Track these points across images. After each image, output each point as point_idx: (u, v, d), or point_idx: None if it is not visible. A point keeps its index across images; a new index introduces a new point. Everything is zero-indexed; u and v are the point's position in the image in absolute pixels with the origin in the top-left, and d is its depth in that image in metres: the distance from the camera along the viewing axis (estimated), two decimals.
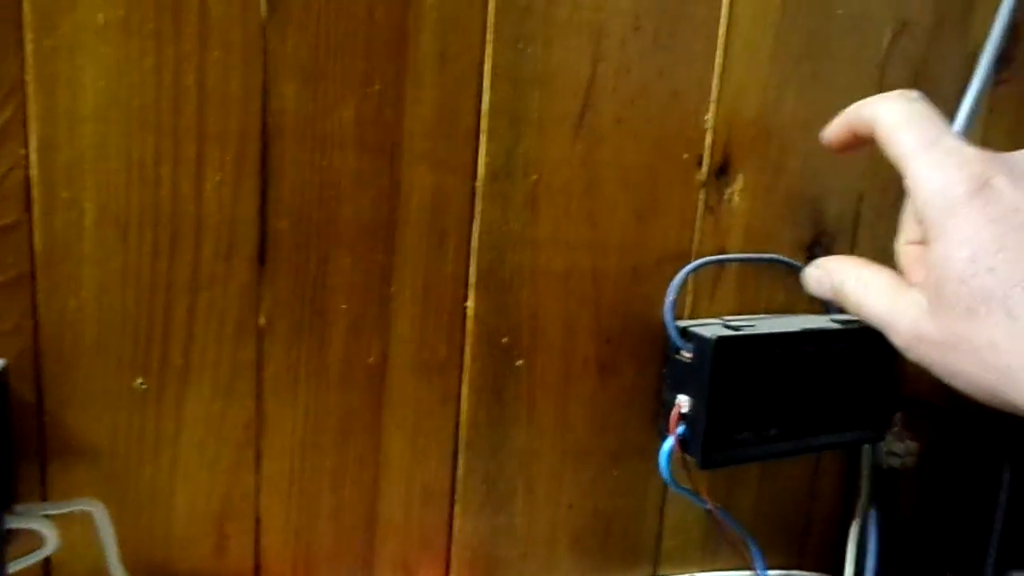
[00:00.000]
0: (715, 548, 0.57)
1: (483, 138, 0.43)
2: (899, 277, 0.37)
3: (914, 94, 0.36)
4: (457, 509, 0.47)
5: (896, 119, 0.35)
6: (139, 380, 0.37)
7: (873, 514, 0.59)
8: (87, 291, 0.36)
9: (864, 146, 0.39)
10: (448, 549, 0.47)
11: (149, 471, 0.39)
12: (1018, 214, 0.28)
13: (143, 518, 0.39)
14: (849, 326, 0.52)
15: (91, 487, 0.37)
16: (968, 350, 0.29)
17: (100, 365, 0.37)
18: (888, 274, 0.37)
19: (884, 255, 0.58)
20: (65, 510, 0.35)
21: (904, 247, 0.40)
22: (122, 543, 0.38)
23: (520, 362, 0.46)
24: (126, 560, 0.38)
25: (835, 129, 0.41)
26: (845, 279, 0.40)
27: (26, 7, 0.33)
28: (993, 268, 0.28)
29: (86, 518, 0.36)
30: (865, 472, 0.60)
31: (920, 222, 0.33)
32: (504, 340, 0.46)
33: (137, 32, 0.34)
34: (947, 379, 0.32)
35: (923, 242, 0.34)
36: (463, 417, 0.46)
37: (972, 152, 0.33)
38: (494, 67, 0.42)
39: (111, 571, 0.37)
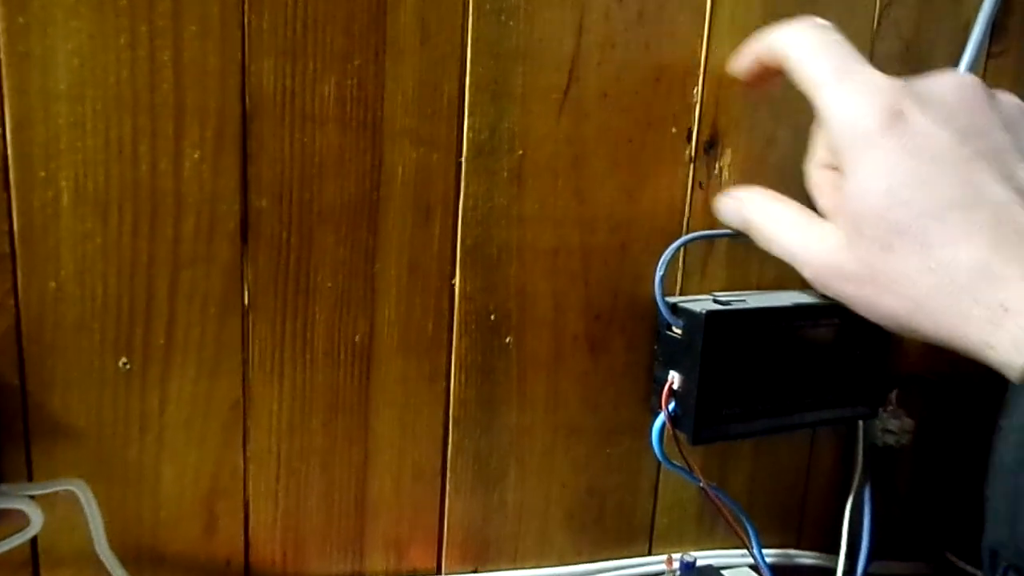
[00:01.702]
0: (710, 526, 0.56)
1: (467, 113, 0.42)
2: (809, 212, 0.37)
3: (823, 22, 0.35)
4: (448, 487, 0.47)
5: (807, 48, 0.34)
6: (122, 360, 0.37)
7: (868, 491, 0.58)
8: (67, 271, 0.36)
9: (774, 78, 0.39)
10: (440, 528, 0.47)
11: (135, 451, 0.38)
12: (929, 144, 0.28)
13: (130, 498, 0.39)
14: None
15: (76, 467, 0.37)
16: (885, 282, 0.29)
17: (83, 345, 0.36)
18: (797, 208, 0.37)
19: None
20: (50, 490, 0.35)
21: (815, 170, 0.39)
22: (109, 524, 0.37)
23: (509, 339, 0.46)
24: (113, 541, 0.38)
25: (744, 61, 0.40)
26: (754, 211, 0.40)
27: None
28: (908, 201, 0.28)
29: (72, 499, 0.36)
30: (860, 450, 0.59)
31: (833, 151, 0.33)
32: (492, 317, 0.45)
33: (110, 8, 0.34)
34: (863, 312, 0.32)
35: (835, 168, 0.33)
36: (452, 395, 0.45)
37: (884, 81, 0.33)
38: (476, 41, 0.42)
39: (98, 552, 0.37)
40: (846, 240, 0.31)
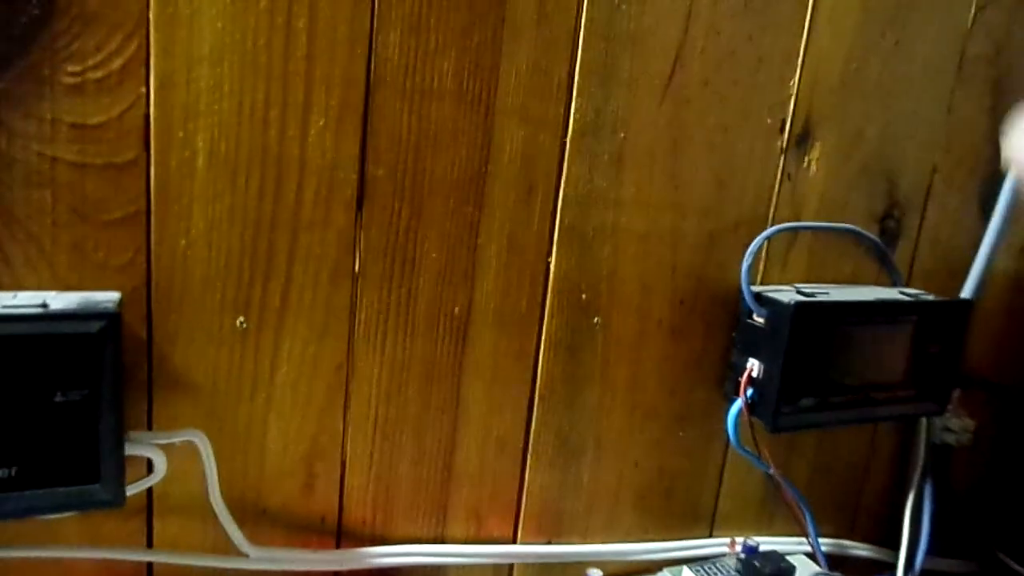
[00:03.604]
0: (771, 513, 0.57)
1: (575, 95, 0.43)
2: None
3: None
4: (529, 461, 0.48)
5: None
6: (240, 319, 0.38)
7: (928, 489, 0.59)
8: (196, 230, 0.37)
9: None
10: (519, 499, 0.48)
11: (246, 408, 0.40)
12: None
13: (239, 453, 0.40)
14: (920, 299, 0.52)
15: (192, 420, 0.38)
16: None
17: (206, 303, 0.37)
18: None
19: (951, 229, 0.58)
20: (175, 440, 0.36)
21: None
22: (220, 477, 0.39)
23: (597, 319, 0.47)
24: (223, 492, 0.39)
25: None
26: None
27: None
28: None
29: (190, 449, 0.37)
30: (921, 447, 0.60)
31: None
32: (583, 297, 0.46)
33: None
34: None
35: None
36: (540, 371, 0.46)
37: None
38: (589, 24, 0.42)
39: (211, 501, 0.38)
40: None
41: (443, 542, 0.47)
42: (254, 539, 0.41)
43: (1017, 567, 0.61)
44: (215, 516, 0.39)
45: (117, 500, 0.33)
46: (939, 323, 0.53)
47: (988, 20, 0.54)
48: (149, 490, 0.38)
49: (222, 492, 0.39)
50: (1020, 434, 0.66)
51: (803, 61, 0.48)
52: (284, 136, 0.37)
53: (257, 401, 0.40)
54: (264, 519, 0.42)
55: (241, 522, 0.40)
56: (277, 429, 0.41)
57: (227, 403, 0.39)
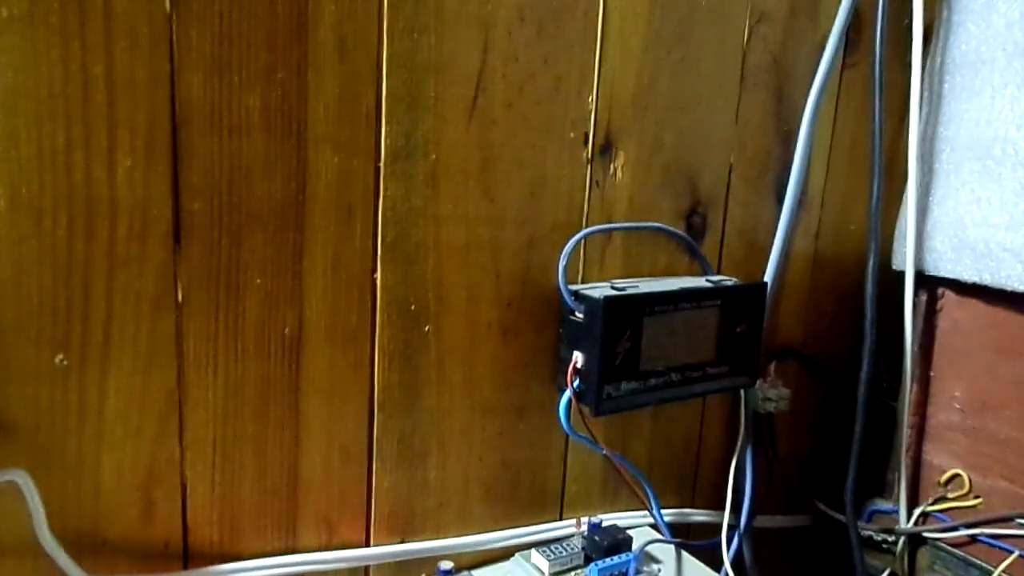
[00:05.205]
0: (615, 491, 0.63)
1: (384, 122, 0.46)
2: None
3: None
4: (375, 466, 0.50)
5: None
6: (60, 356, 0.39)
7: (750, 453, 0.66)
8: (3, 273, 0.37)
9: None
10: (368, 504, 0.51)
11: (74, 443, 0.40)
12: None
13: (70, 488, 0.41)
14: (721, 285, 0.59)
15: (17, 460, 0.39)
16: None
17: (20, 343, 0.38)
18: None
19: (752, 220, 0.65)
20: None
21: None
22: (50, 513, 0.39)
23: (428, 328, 0.50)
24: (55, 529, 0.40)
25: None
26: None
27: None
28: None
29: (12, 490, 0.38)
30: (744, 416, 0.67)
31: None
32: (412, 308, 0.49)
33: (43, 24, 0.36)
34: None
35: None
36: (377, 380, 0.49)
37: None
38: (391, 56, 0.46)
39: (40, 540, 0.39)
40: None
41: (296, 552, 0.49)
42: (95, 571, 0.41)
43: (837, 515, 0.69)
44: (49, 555, 0.39)
45: None
46: (741, 305, 0.59)
47: (763, 33, 0.61)
48: None
49: (55, 528, 0.40)
50: (830, 398, 0.74)
51: (598, 79, 0.54)
52: (91, 177, 0.39)
53: (86, 435, 0.41)
54: (104, 550, 0.42)
55: (79, 557, 0.41)
56: (110, 460, 0.42)
57: (52, 439, 0.40)
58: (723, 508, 0.66)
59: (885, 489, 0.71)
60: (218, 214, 0.42)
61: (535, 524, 0.58)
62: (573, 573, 0.54)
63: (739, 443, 0.66)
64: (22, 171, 0.37)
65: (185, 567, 0.45)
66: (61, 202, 0.38)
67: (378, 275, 0.48)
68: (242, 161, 0.42)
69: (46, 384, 0.39)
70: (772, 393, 0.67)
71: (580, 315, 0.53)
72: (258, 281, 0.44)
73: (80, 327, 0.40)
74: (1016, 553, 0.61)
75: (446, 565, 0.52)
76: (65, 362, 0.39)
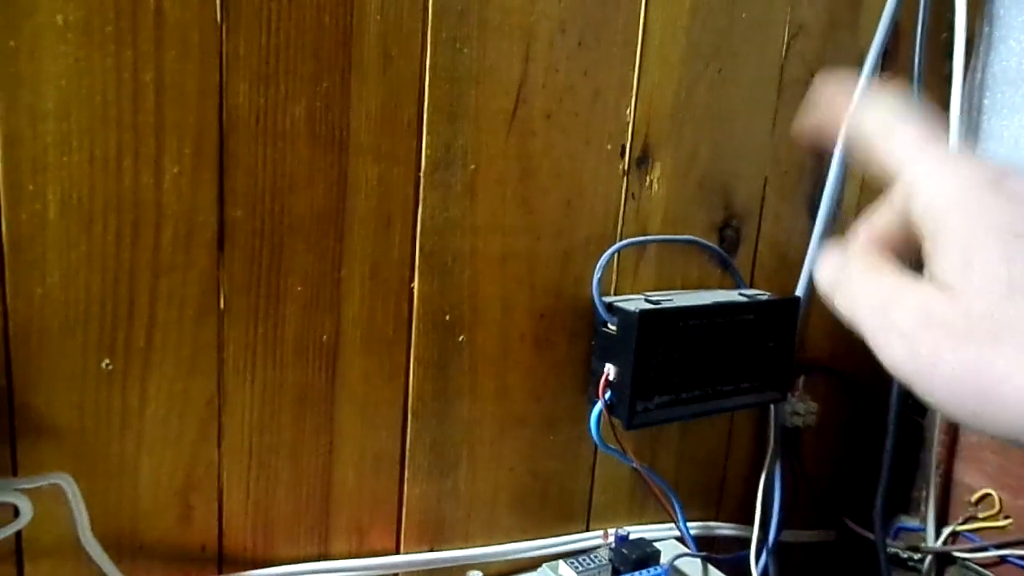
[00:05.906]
0: (641, 503, 0.62)
1: (425, 132, 0.46)
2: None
3: (894, 92, 0.29)
4: (407, 475, 0.51)
5: (887, 119, 0.28)
6: (105, 361, 0.40)
7: (779, 468, 0.66)
8: (52, 278, 0.38)
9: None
10: (399, 512, 0.51)
11: (116, 447, 0.41)
12: None
13: (111, 491, 0.41)
14: (755, 299, 0.58)
15: (61, 463, 0.39)
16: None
17: (67, 347, 0.39)
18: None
19: (785, 234, 0.64)
20: (38, 484, 0.37)
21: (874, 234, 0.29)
22: (92, 515, 0.40)
23: (462, 337, 0.50)
24: (96, 531, 0.40)
25: (814, 127, 0.30)
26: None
27: None
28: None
29: (55, 492, 0.38)
30: (772, 431, 0.67)
31: (918, 225, 0.26)
32: (447, 318, 0.50)
33: (97, 33, 0.36)
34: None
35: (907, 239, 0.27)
36: (411, 389, 0.49)
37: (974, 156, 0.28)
38: (433, 67, 0.46)
39: (83, 541, 0.39)
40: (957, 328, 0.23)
41: (327, 559, 0.49)
42: (132, 574, 0.42)
43: (864, 532, 0.68)
44: (89, 555, 0.40)
45: None
46: (774, 319, 0.59)
47: (800, 47, 0.61)
48: (18, 535, 0.39)
49: (95, 531, 0.40)
50: (858, 413, 0.73)
51: (637, 92, 0.53)
52: (139, 184, 0.39)
53: (127, 439, 0.41)
54: (141, 554, 0.43)
55: (118, 559, 0.41)
56: (149, 465, 0.42)
57: (96, 443, 0.40)
58: (747, 522, 0.66)
59: (911, 506, 0.70)
60: (260, 222, 0.43)
61: (562, 535, 0.58)
62: None
63: (768, 458, 0.65)
64: (72, 178, 0.37)
65: (220, 571, 0.45)
66: (110, 208, 0.38)
67: (415, 284, 0.48)
68: (285, 169, 0.43)
69: (91, 388, 0.40)
70: (800, 408, 0.67)
71: (613, 327, 0.53)
72: (298, 288, 0.44)
73: (125, 332, 0.40)
74: None
75: (475, 574, 0.52)
76: (110, 367, 0.40)
